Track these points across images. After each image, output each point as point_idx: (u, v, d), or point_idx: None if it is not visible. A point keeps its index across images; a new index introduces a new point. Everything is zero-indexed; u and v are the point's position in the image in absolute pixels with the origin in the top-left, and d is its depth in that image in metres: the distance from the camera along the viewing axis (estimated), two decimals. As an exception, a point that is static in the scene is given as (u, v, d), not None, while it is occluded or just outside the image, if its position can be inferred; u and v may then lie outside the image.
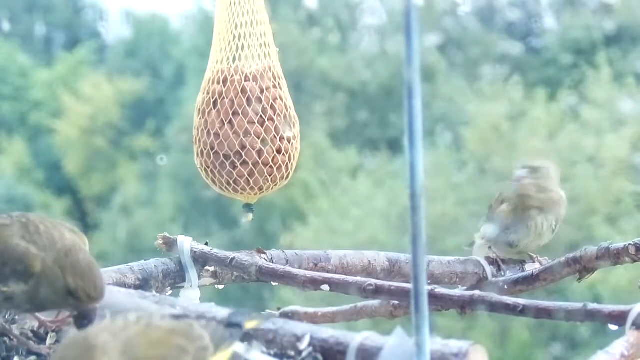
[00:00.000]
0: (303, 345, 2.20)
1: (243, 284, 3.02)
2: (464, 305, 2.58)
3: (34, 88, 21.94)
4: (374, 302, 3.01)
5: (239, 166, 3.07)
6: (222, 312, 2.23)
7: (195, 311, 2.23)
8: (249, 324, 2.09)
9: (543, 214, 3.22)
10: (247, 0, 3.10)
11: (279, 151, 3.09)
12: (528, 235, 3.22)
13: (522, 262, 3.21)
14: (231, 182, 3.09)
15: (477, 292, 2.60)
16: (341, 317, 3.08)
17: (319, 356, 2.18)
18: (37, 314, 2.41)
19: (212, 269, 2.94)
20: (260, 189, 3.10)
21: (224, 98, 3.08)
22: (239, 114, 3.07)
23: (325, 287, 2.71)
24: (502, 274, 3.10)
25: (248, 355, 2.16)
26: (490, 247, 3.20)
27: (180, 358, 1.84)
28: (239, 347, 2.05)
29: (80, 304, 2.17)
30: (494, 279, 3.03)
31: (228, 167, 3.08)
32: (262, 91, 3.08)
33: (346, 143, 18.63)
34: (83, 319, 2.17)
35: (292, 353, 2.20)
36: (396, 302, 2.95)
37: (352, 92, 19.56)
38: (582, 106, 17.25)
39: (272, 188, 3.13)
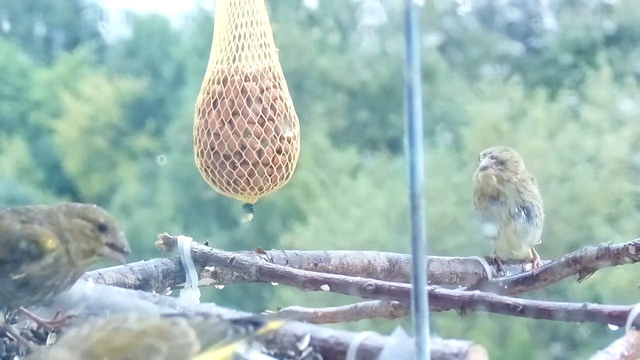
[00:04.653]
0: (303, 345, 2.20)
1: (243, 284, 3.02)
2: (464, 305, 2.58)
3: (34, 88, 21.94)
4: (374, 302, 3.01)
5: (239, 166, 3.07)
6: (223, 312, 2.24)
7: (195, 310, 2.22)
8: (274, 325, 2.07)
9: (498, 203, 3.19)
10: (247, 0, 3.10)
11: (279, 151, 3.09)
12: (495, 227, 3.18)
13: (522, 262, 3.20)
14: (231, 182, 3.09)
15: (477, 292, 2.60)
16: (341, 317, 3.08)
17: (319, 356, 2.18)
18: (35, 315, 2.41)
19: (212, 269, 2.94)
20: (260, 189, 3.11)
21: (224, 98, 3.09)
22: (239, 114, 3.07)
23: (325, 287, 2.71)
24: (502, 274, 3.10)
25: (248, 355, 2.16)
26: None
27: (149, 359, 1.81)
28: (240, 346, 2.04)
29: (115, 233, 2.25)
30: (494, 279, 3.03)
31: (228, 167, 3.08)
32: (262, 91, 3.09)
33: (346, 143, 18.63)
34: (120, 251, 2.27)
35: (292, 353, 2.20)
36: (396, 302, 2.95)
37: (352, 92, 19.56)
38: (582, 106, 17.25)
39: (272, 188, 3.13)
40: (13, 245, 2.21)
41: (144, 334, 1.84)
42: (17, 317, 2.50)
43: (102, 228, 2.26)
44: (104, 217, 2.26)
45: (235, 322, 1.98)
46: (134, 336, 1.83)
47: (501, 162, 3.18)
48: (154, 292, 2.68)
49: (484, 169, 3.16)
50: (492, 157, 3.19)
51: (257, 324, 1.99)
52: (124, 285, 2.76)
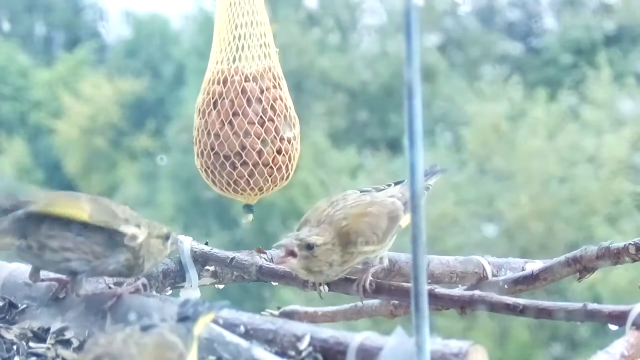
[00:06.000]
0: (303, 345, 2.21)
1: (243, 283, 3.02)
2: (464, 305, 2.58)
3: (34, 88, 21.93)
4: (374, 302, 3.01)
5: (239, 167, 3.07)
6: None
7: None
8: (205, 319, 2.07)
9: None
10: (247, 0, 3.10)
11: (279, 152, 3.09)
12: None
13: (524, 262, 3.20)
14: (231, 182, 3.09)
15: (477, 292, 2.60)
16: (341, 316, 3.08)
17: (319, 356, 2.19)
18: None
19: (212, 268, 2.94)
20: (261, 189, 3.10)
21: (224, 98, 3.09)
22: (239, 115, 3.07)
23: (325, 289, 2.72)
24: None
25: (252, 352, 2.16)
26: None
27: None
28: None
29: (172, 236, 2.56)
30: (494, 278, 3.02)
31: (228, 168, 3.08)
32: (262, 92, 3.09)
33: (346, 143, 18.63)
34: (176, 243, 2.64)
35: (292, 353, 2.20)
36: (396, 302, 2.95)
37: (352, 92, 19.56)
38: (582, 106, 17.26)
39: (272, 189, 3.13)
40: (123, 210, 2.47)
41: (160, 346, 1.87)
42: (17, 318, 2.51)
43: (167, 238, 2.55)
44: (166, 228, 2.55)
45: (179, 320, 2.00)
46: (157, 348, 1.86)
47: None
48: (154, 292, 2.69)
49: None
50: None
51: (187, 318, 2.01)
52: (122, 284, 2.76)
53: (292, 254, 2.53)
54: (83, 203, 2.44)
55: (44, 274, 2.53)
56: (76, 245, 2.42)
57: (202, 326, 2.06)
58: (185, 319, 1.99)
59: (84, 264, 2.43)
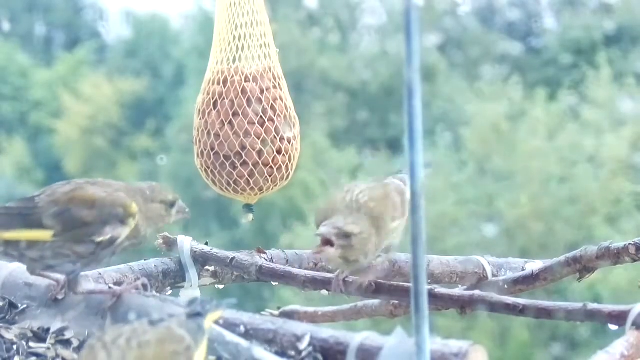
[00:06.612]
0: (303, 345, 2.21)
1: (243, 284, 3.02)
2: (464, 305, 2.58)
3: (34, 88, 21.94)
4: (374, 302, 3.01)
5: (239, 167, 3.07)
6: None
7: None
8: (214, 316, 2.08)
9: None
10: (247, 1, 3.10)
11: (279, 152, 3.09)
12: None
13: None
14: (231, 182, 3.09)
15: (477, 292, 2.60)
16: (341, 316, 3.08)
17: (319, 356, 2.19)
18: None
19: (212, 268, 2.94)
20: (261, 189, 3.11)
21: (224, 99, 3.09)
22: (239, 115, 3.07)
23: (324, 292, 2.72)
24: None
25: (252, 352, 2.17)
26: None
27: None
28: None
29: (179, 203, 2.53)
30: (494, 278, 3.02)
31: (228, 168, 3.08)
32: (262, 92, 3.09)
33: (346, 143, 18.63)
34: (184, 213, 2.57)
35: (292, 353, 2.20)
36: (396, 302, 2.95)
37: (352, 92, 19.56)
38: (582, 106, 17.26)
39: (272, 188, 3.13)
40: (99, 210, 2.37)
41: (164, 340, 1.88)
42: (17, 318, 2.50)
43: (172, 205, 2.51)
44: (171, 194, 2.51)
45: (189, 316, 2.01)
46: (161, 343, 1.87)
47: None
48: (154, 292, 2.69)
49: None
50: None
51: (198, 314, 2.02)
52: (122, 284, 2.76)
53: (329, 243, 2.48)
54: (46, 220, 2.36)
55: (43, 272, 2.52)
56: (55, 252, 2.39)
57: (211, 323, 2.07)
58: (197, 315, 2.00)
59: (71, 265, 2.41)
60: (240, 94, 3.08)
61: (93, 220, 2.37)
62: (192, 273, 2.90)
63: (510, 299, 2.53)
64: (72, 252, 2.38)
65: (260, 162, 3.07)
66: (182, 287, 2.91)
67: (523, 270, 3.03)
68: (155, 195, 2.47)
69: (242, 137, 3.07)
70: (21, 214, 2.38)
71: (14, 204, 2.43)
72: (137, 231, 2.43)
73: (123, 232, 2.40)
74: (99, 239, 2.37)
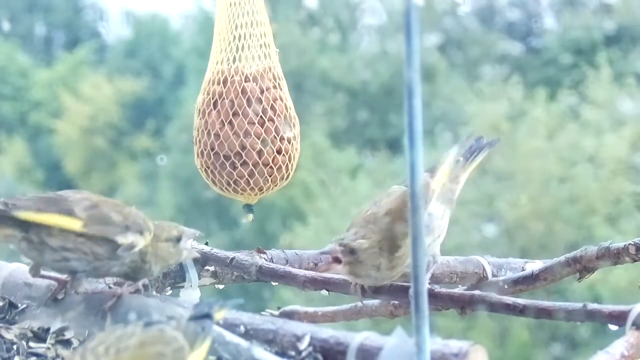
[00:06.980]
0: (303, 345, 2.20)
1: (243, 284, 3.02)
2: (464, 305, 2.58)
3: (34, 88, 21.94)
4: (374, 302, 3.01)
5: (239, 167, 3.07)
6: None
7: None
8: (217, 315, 2.09)
9: None
10: (247, 0, 3.10)
11: (279, 152, 3.09)
12: None
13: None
14: (231, 182, 3.09)
15: (477, 292, 2.60)
16: (341, 316, 3.07)
17: (319, 356, 2.18)
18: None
19: (212, 268, 2.94)
20: (261, 189, 3.10)
21: (224, 99, 3.08)
22: (239, 115, 3.07)
23: (324, 292, 2.72)
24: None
25: (252, 352, 2.17)
26: None
27: None
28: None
29: (185, 233, 2.52)
30: (494, 278, 3.02)
31: (228, 168, 3.08)
32: (262, 92, 3.08)
33: (346, 143, 18.63)
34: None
35: (292, 353, 2.20)
36: (396, 302, 2.95)
37: (352, 92, 19.57)
38: (582, 106, 17.26)
39: (272, 188, 3.13)
40: (125, 215, 2.45)
41: (145, 344, 1.89)
42: (17, 318, 2.50)
43: (178, 240, 2.51)
44: (176, 229, 2.52)
45: (194, 318, 2.01)
46: (137, 351, 1.88)
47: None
48: (154, 292, 2.69)
49: None
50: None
51: (208, 316, 2.03)
52: (122, 284, 2.76)
53: (337, 260, 2.46)
54: (78, 212, 2.41)
55: (44, 273, 2.53)
56: (76, 246, 2.41)
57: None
58: (204, 316, 2.01)
59: (84, 264, 2.43)
60: (240, 94, 3.07)
61: (119, 221, 2.43)
62: (192, 273, 2.90)
63: (510, 299, 2.53)
64: (91, 251, 2.42)
65: (260, 162, 3.07)
66: (182, 287, 2.91)
67: (523, 270, 3.02)
68: (159, 233, 2.49)
69: (242, 137, 3.06)
70: (55, 200, 2.44)
71: (43, 194, 2.51)
72: (144, 254, 2.46)
73: (140, 242, 2.43)
74: (122, 241, 2.41)
